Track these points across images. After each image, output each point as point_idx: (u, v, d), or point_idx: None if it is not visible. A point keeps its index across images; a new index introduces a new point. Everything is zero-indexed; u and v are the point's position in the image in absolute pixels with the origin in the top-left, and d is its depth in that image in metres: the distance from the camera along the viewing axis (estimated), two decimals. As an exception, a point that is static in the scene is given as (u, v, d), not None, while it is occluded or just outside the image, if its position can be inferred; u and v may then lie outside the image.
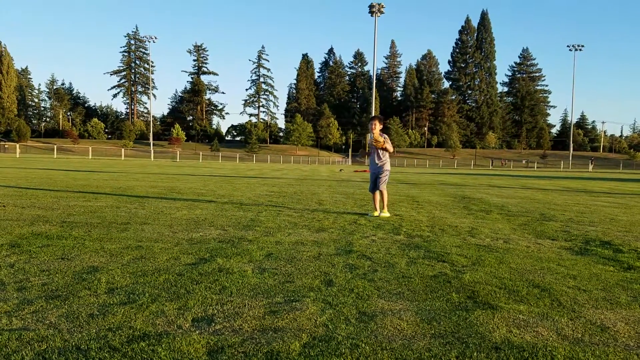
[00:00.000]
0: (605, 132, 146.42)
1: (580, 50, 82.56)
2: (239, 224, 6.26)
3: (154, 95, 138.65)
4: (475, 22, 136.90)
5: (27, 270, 3.60)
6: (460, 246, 5.09)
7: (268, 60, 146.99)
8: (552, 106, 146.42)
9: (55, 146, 79.70)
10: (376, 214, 7.49)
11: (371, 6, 54.17)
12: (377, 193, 7.62)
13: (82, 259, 4.00)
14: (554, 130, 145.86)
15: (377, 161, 7.62)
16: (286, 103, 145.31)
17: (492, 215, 8.05)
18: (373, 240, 5.35)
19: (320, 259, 4.29)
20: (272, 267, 3.90)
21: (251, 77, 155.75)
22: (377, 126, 7.52)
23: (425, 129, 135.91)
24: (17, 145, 64.00)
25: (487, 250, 4.92)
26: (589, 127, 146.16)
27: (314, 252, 4.55)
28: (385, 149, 7.54)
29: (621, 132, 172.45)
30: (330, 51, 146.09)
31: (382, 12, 54.30)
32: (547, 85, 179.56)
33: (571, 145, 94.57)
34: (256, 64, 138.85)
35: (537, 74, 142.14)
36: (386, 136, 7.58)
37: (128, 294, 3.07)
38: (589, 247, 5.21)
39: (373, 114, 49.99)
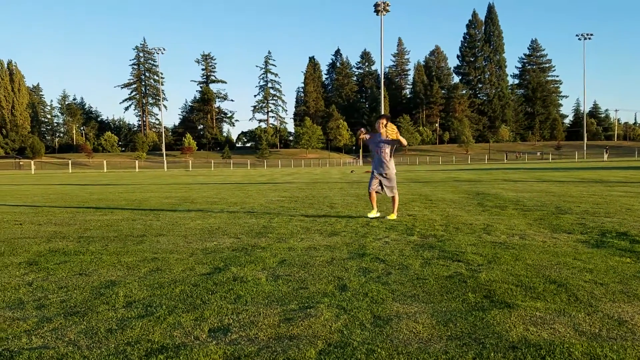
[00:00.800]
0: (618, 120, 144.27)
1: (589, 39, 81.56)
2: (251, 231, 6.29)
3: (165, 106, 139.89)
4: (482, 16, 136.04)
5: (45, 287, 3.66)
6: (476, 244, 5.06)
7: (275, 65, 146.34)
8: (564, 96, 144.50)
9: (70, 161, 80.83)
10: (373, 214, 7.39)
11: (376, 5, 54.17)
12: (374, 193, 7.43)
13: (100, 274, 4.05)
14: (567, 121, 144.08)
15: (384, 160, 7.27)
16: (295, 107, 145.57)
17: (508, 210, 7.99)
18: (386, 242, 5.33)
19: (333, 263, 4.29)
20: (286, 274, 3.92)
21: (259, 83, 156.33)
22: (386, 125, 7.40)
23: (437, 125, 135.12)
24: (32, 162, 64.94)
25: (503, 247, 4.88)
26: (602, 115, 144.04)
27: (327, 257, 4.55)
28: (399, 142, 7.18)
29: (635, 120, 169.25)
30: (337, 52, 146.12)
31: (387, 11, 54.29)
32: (557, 76, 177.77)
33: (585, 135, 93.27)
34: (263, 70, 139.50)
35: (547, 65, 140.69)
36: (395, 127, 7.30)
37: (145, 307, 3.11)
38: (605, 239, 5.14)
39: (382, 113, 49.71)
